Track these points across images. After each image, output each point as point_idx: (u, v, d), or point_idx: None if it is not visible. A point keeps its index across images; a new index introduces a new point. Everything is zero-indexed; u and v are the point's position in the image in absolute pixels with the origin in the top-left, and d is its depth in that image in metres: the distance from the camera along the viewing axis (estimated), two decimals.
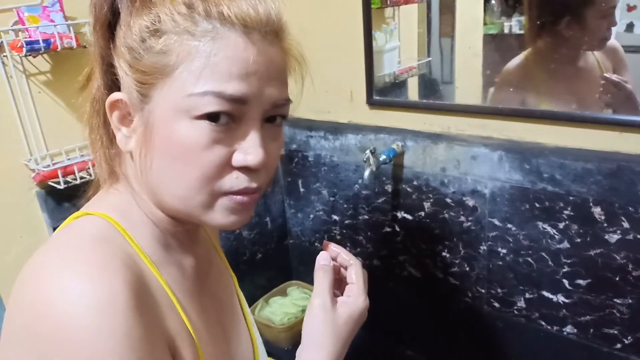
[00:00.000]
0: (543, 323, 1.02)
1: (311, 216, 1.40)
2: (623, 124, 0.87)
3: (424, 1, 1.15)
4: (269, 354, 0.75)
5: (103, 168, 0.56)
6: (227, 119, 0.48)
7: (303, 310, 1.32)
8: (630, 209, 0.86)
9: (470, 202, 1.05)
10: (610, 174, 0.86)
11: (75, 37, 0.92)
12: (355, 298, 0.61)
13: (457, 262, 1.12)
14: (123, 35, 0.49)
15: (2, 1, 0.89)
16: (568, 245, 0.94)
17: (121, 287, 0.44)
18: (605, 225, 0.89)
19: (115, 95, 0.50)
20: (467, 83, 1.11)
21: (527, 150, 0.95)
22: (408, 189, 1.14)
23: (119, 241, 0.51)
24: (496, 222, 1.02)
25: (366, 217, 1.26)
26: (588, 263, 0.92)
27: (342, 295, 0.63)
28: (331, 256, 0.64)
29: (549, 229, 0.95)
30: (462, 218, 1.07)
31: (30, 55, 0.89)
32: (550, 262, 0.97)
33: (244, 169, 0.50)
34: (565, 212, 0.92)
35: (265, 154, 0.50)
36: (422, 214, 1.14)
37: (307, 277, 1.48)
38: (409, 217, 1.17)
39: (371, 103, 1.19)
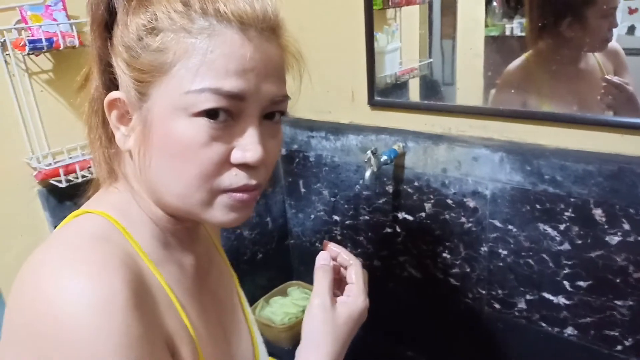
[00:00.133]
0: (543, 324, 1.02)
1: (312, 216, 1.40)
2: (624, 125, 0.87)
3: (426, 3, 1.16)
4: (270, 354, 0.75)
5: (102, 167, 0.56)
6: (225, 116, 0.48)
7: (303, 311, 1.31)
8: (631, 210, 0.86)
9: (471, 203, 1.05)
10: (611, 176, 0.86)
11: (78, 36, 0.92)
12: (355, 298, 0.61)
13: (457, 263, 1.12)
14: (120, 34, 0.49)
15: (6, 0, 0.89)
16: (569, 247, 0.94)
17: (120, 286, 0.44)
18: (606, 227, 0.89)
19: (113, 94, 0.50)
20: (469, 84, 1.11)
21: (528, 151, 0.95)
22: (409, 190, 1.14)
23: (118, 240, 0.51)
24: (497, 223, 1.02)
25: (367, 217, 1.26)
26: (589, 265, 0.93)
27: (342, 295, 0.63)
28: (331, 256, 0.64)
29: (549, 230, 0.95)
30: (463, 219, 1.07)
31: (32, 53, 0.89)
32: (551, 264, 0.97)
33: (243, 166, 0.50)
34: (566, 213, 0.92)
35: (264, 151, 0.50)
36: (423, 214, 1.14)
37: (307, 277, 1.48)
38: (409, 217, 1.17)
39: (372, 104, 1.19)
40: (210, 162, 0.48)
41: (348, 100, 1.23)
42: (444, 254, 1.13)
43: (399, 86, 1.21)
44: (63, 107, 1.00)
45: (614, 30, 0.89)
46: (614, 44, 0.90)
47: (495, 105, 1.03)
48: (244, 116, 0.49)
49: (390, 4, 1.15)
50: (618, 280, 0.90)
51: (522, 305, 1.04)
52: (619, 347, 0.94)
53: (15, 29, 0.89)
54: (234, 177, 0.50)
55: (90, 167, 0.96)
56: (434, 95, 1.18)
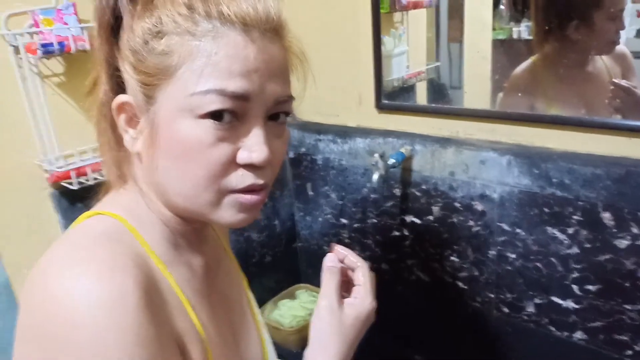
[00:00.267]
0: (552, 328, 1.02)
1: (320, 219, 1.40)
2: (632, 129, 0.87)
3: (433, 6, 1.16)
4: (278, 357, 0.75)
5: (112, 170, 0.57)
6: (230, 117, 0.48)
7: (311, 313, 1.32)
8: (639, 214, 0.85)
9: (479, 207, 1.05)
10: (619, 179, 0.86)
11: (89, 39, 0.93)
12: (362, 299, 0.61)
13: (465, 266, 1.11)
14: (126, 39, 0.50)
15: (19, 4, 0.91)
16: (577, 251, 0.94)
17: (131, 285, 0.44)
18: (614, 230, 0.88)
19: (121, 98, 0.51)
20: (476, 88, 1.11)
21: (535, 155, 0.95)
22: (417, 193, 1.14)
23: (129, 241, 0.52)
24: (505, 226, 1.02)
25: (375, 220, 1.26)
26: (597, 268, 0.92)
27: (349, 297, 0.63)
28: (338, 258, 0.65)
29: (558, 234, 0.95)
30: (471, 222, 1.07)
31: (44, 57, 0.91)
32: (559, 267, 0.97)
33: (249, 167, 0.50)
34: (575, 217, 0.92)
35: (269, 151, 0.50)
36: (431, 218, 1.14)
37: (315, 280, 1.48)
38: (417, 221, 1.17)
39: (380, 107, 1.19)
40: (217, 163, 0.49)
41: (355, 104, 1.24)
42: (452, 258, 1.13)
43: (407, 89, 1.22)
44: (74, 109, 1.01)
45: (622, 33, 0.89)
46: (621, 47, 0.90)
47: (503, 108, 1.03)
48: (249, 117, 0.50)
49: (397, 7, 1.16)
50: (627, 284, 0.90)
51: (530, 309, 1.04)
52: (629, 352, 0.93)
53: (27, 33, 0.90)
54: (241, 177, 0.51)
55: (101, 169, 0.97)
56: (442, 98, 1.18)
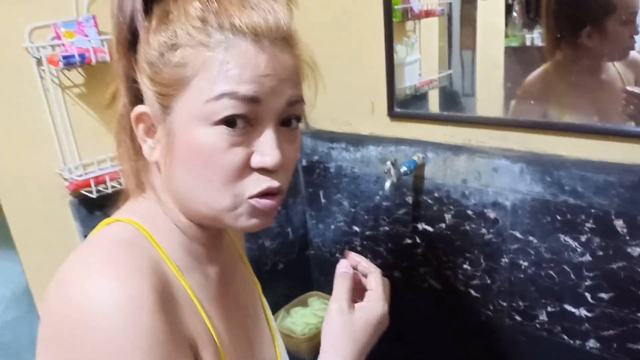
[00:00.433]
0: (565, 337, 1.01)
1: (332, 227, 1.41)
2: None
3: (445, 15, 1.17)
4: None
5: (130, 179, 0.59)
6: (243, 123, 0.50)
7: (323, 321, 1.33)
8: None
9: (492, 214, 1.05)
10: (632, 187, 0.86)
11: (109, 51, 0.96)
12: (374, 303, 0.61)
13: (478, 274, 1.12)
14: (143, 52, 0.52)
15: (41, 17, 0.94)
16: (590, 258, 0.93)
17: (147, 289, 0.46)
18: (627, 238, 0.88)
19: (139, 109, 0.53)
20: (488, 95, 1.12)
21: (548, 162, 0.96)
22: (429, 201, 1.15)
23: (145, 246, 0.54)
24: (517, 234, 1.02)
25: (387, 228, 1.26)
26: (610, 276, 0.92)
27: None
28: (351, 264, 0.66)
29: (570, 241, 0.95)
30: (483, 230, 1.07)
31: (66, 68, 0.94)
32: (572, 275, 0.97)
33: (263, 170, 0.52)
34: (587, 224, 0.92)
35: (281, 154, 0.51)
36: (443, 225, 1.14)
37: (327, 288, 1.48)
38: (429, 228, 1.17)
39: (392, 115, 1.20)
40: (232, 167, 0.50)
41: (368, 112, 1.25)
42: (465, 265, 1.13)
43: (419, 97, 1.22)
44: (94, 120, 1.04)
45: (637, 38, 0.88)
46: (634, 53, 0.90)
47: (516, 116, 1.03)
48: (261, 121, 0.51)
49: (409, 16, 1.17)
50: None
51: (543, 317, 1.03)
52: None
53: (50, 45, 0.93)
54: (256, 181, 0.52)
55: (119, 178, 1.00)
56: (454, 106, 1.18)
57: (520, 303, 1.06)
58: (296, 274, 1.50)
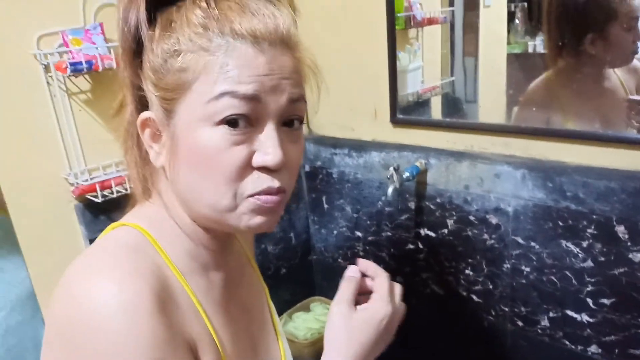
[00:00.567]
0: (567, 342, 1.02)
1: (335, 232, 1.42)
2: None
3: (447, 22, 1.18)
4: None
5: (137, 186, 0.60)
6: (245, 123, 0.51)
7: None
8: None
9: (494, 220, 1.06)
10: (633, 193, 0.86)
11: (115, 58, 0.97)
12: (376, 304, 0.62)
13: (480, 280, 1.12)
14: (148, 60, 0.53)
15: (49, 25, 0.95)
16: (592, 264, 0.94)
17: (147, 291, 0.48)
18: (629, 244, 0.89)
19: (144, 114, 0.54)
20: (491, 102, 1.13)
21: (550, 168, 0.96)
22: (431, 206, 1.15)
23: (148, 250, 0.55)
24: (519, 240, 1.03)
25: (389, 234, 1.27)
26: (612, 282, 0.92)
27: None
28: (361, 269, 0.66)
29: (572, 247, 0.96)
30: (486, 236, 1.08)
31: (73, 75, 0.95)
32: (574, 281, 0.97)
33: (264, 169, 0.52)
34: (589, 230, 0.93)
35: (283, 154, 0.52)
36: (445, 231, 1.15)
37: (330, 293, 1.48)
38: (432, 234, 1.18)
39: (395, 121, 1.21)
40: (233, 166, 0.51)
41: (371, 118, 1.26)
42: (467, 271, 1.14)
43: (421, 104, 1.23)
44: (99, 125, 1.05)
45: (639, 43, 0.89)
46: (635, 60, 0.91)
47: (519, 122, 1.03)
48: (263, 121, 0.52)
49: (412, 24, 1.18)
50: None
51: (545, 322, 1.04)
52: None
53: (57, 52, 0.95)
54: (257, 180, 0.52)
55: (124, 183, 1.01)
56: (456, 112, 1.19)
57: (522, 308, 1.07)
58: (299, 279, 1.50)
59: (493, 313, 1.12)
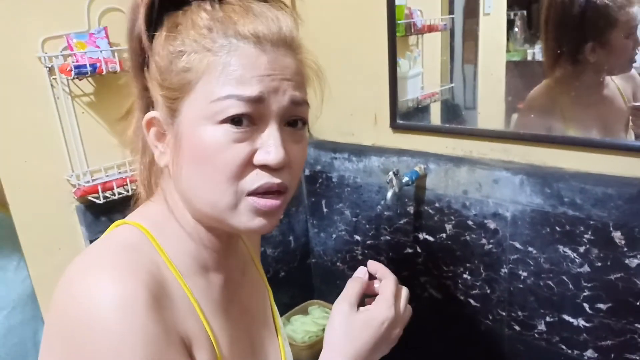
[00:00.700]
0: (563, 347, 1.03)
1: (334, 236, 1.42)
2: None
3: (447, 29, 1.19)
4: None
5: (142, 187, 0.61)
6: (247, 122, 0.51)
7: (324, 329, 1.34)
8: None
9: (492, 225, 1.07)
10: (630, 199, 0.88)
11: (119, 61, 0.98)
12: (378, 306, 0.62)
13: (478, 284, 1.13)
14: (154, 62, 0.54)
15: (54, 28, 0.96)
16: (588, 269, 0.95)
17: (141, 289, 0.48)
18: (625, 249, 0.90)
19: (150, 114, 0.55)
20: (490, 109, 1.14)
21: (548, 174, 0.97)
22: (430, 211, 1.16)
23: (146, 249, 0.55)
24: (517, 245, 1.04)
25: (388, 237, 1.28)
26: (609, 287, 0.93)
27: None
28: (370, 271, 0.66)
29: (569, 252, 0.97)
30: (484, 240, 1.09)
31: (77, 78, 0.96)
32: (570, 286, 0.98)
33: (265, 168, 0.53)
34: (586, 236, 0.94)
35: (285, 153, 0.52)
36: (444, 235, 1.16)
37: (328, 297, 1.50)
38: (430, 238, 1.19)
39: (395, 127, 1.22)
40: (234, 163, 0.52)
41: (371, 123, 1.27)
42: (465, 275, 1.14)
43: (421, 110, 1.25)
44: (102, 128, 1.05)
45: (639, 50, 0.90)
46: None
47: (519, 129, 1.04)
48: (265, 120, 0.53)
49: (412, 30, 1.20)
50: (638, 303, 0.90)
51: (542, 327, 1.05)
52: None
53: (62, 55, 0.96)
54: (256, 177, 0.53)
55: (125, 184, 1.01)
56: (456, 118, 1.20)
57: (520, 313, 1.07)
58: (297, 282, 1.51)
59: (490, 317, 1.13)
